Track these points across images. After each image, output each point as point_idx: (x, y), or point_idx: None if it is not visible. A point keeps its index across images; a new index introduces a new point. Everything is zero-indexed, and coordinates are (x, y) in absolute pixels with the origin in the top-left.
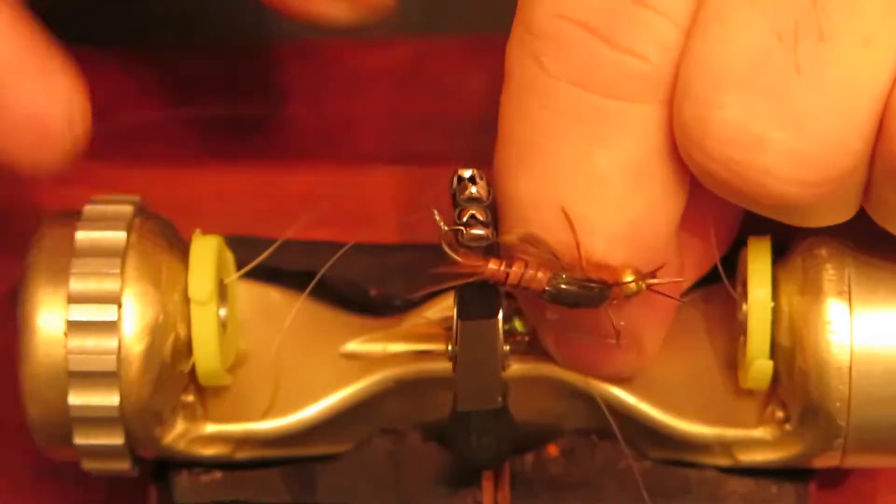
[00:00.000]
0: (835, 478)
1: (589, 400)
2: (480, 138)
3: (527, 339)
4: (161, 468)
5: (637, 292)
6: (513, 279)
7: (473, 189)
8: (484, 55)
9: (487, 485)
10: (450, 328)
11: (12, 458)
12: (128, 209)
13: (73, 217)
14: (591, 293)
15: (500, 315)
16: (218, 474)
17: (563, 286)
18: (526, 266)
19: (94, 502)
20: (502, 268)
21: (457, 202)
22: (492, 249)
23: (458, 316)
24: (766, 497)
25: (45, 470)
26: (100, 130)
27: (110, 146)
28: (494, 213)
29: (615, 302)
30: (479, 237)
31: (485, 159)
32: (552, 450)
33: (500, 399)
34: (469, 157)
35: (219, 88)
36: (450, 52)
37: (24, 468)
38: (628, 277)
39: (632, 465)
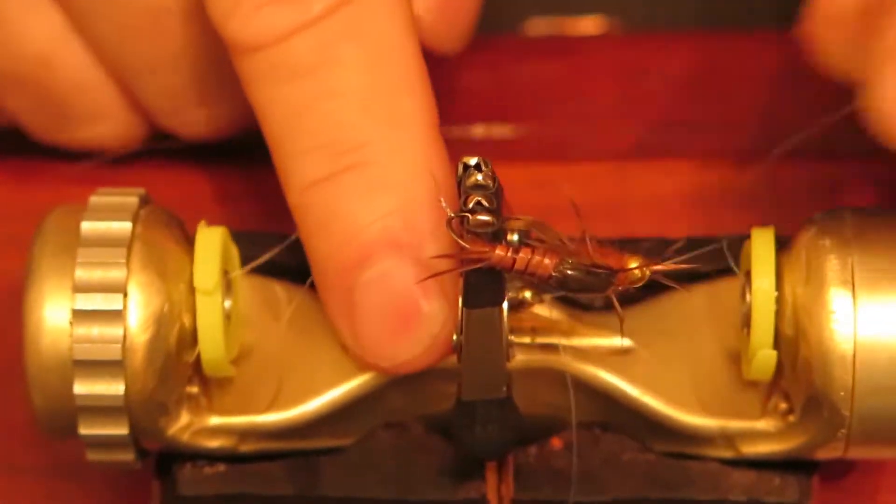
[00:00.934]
0: (836, 475)
1: (592, 393)
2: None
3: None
4: (164, 462)
5: (641, 278)
6: (519, 265)
7: (479, 176)
8: (483, 55)
9: (491, 477)
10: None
11: (17, 456)
12: (133, 200)
13: (78, 209)
14: (596, 279)
15: (506, 304)
16: (222, 467)
17: (569, 272)
18: (532, 252)
19: (97, 499)
20: (509, 254)
21: (462, 189)
22: (497, 236)
23: (464, 304)
24: (769, 489)
25: (48, 467)
26: None
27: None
28: (500, 199)
29: (620, 288)
30: (485, 223)
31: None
32: (556, 442)
33: (504, 389)
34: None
35: None
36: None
37: (27, 465)
38: (633, 264)
39: (635, 458)
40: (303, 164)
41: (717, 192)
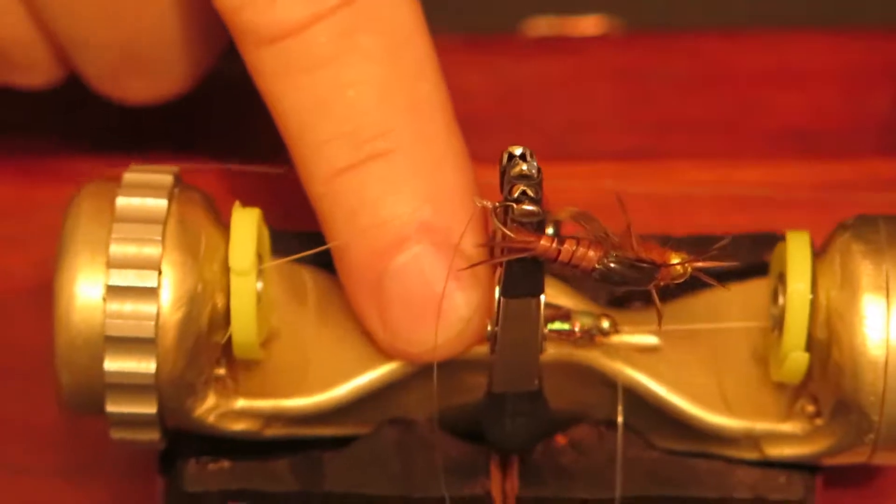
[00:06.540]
0: (842, 472)
1: (617, 389)
2: (480, 138)
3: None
4: (168, 458)
5: (683, 274)
6: (564, 257)
7: (524, 166)
8: (484, 55)
9: (496, 474)
10: None
11: (17, 456)
12: (168, 178)
13: (109, 186)
14: (640, 273)
15: (543, 295)
16: (226, 463)
17: (612, 265)
18: (577, 244)
19: (100, 500)
20: (554, 244)
21: (506, 179)
22: (540, 226)
23: (502, 293)
24: (775, 487)
25: (48, 465)
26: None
27: (111, 145)
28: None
29: (662, 283)
30: (530, 213)
31: (484, 158)
32: (560, 439)
33: (536, 382)
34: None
35: (223, 88)
36: (450, 51)
37: (28, 466)
38: (675, 260)
39: (640, 455)
40: (327, 153)
41: (717, 192)
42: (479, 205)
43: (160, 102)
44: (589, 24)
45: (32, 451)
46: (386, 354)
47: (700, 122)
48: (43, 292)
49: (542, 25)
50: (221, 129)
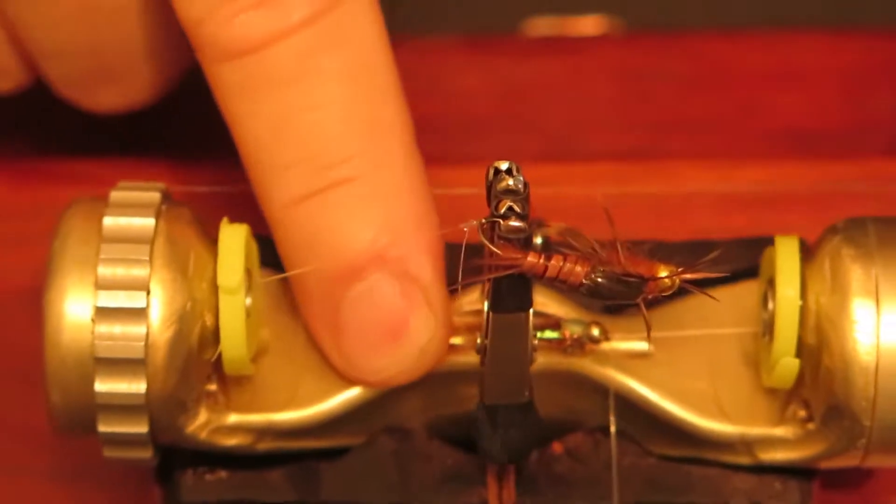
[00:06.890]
0: (838, 476)
1: (610, 396)
2: (480, 138)
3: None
4: (164, 468)
5: (671, 287)
6: (551, 272)
7: (510, 181)
8: (484, 55)
9: (492, 482)
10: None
11: (16, 458)
12: (155, 196)
13: (97, 202)
14: (627, 288)
15: (532, 309)
16: (223, 473)
17: (600, 280)
18: (564, 259)
19: (96, 502)
20: (541, 260)
21: (493, 194)
22: (528, 242)
23: (491, 308)
24: (771, 493)
25: (44, 467)
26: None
27: (109, 146)
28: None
29: (650, 296)
30: (517, 229)
31: (483, 159)
32: (557, 448)
33: (527, 393)
34: (468, 158)
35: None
36: (450, 51)
37: (27, 468)
38: (663, 273)
39: (636, 463)
40: (286, 179)
41: (717, 193)
42: (464, 228)
43: (128, 111)
44: (589, 24)
45: (30, 453)
46: (345, 380)
47: (700, 122)
48: (41, 294)
49: (542, 25)
50: (219, 123)
